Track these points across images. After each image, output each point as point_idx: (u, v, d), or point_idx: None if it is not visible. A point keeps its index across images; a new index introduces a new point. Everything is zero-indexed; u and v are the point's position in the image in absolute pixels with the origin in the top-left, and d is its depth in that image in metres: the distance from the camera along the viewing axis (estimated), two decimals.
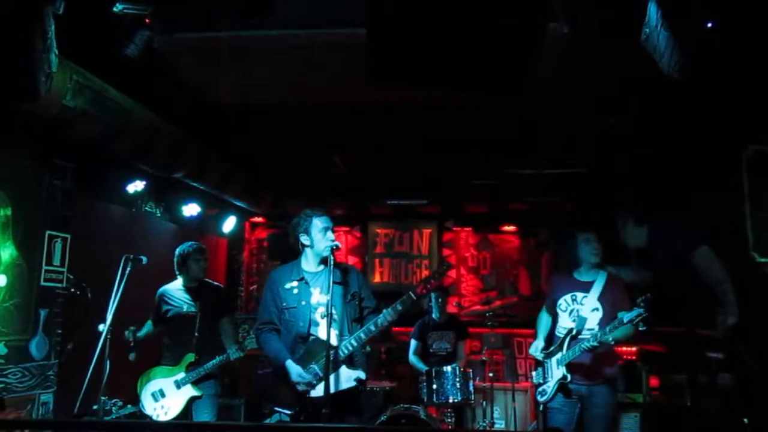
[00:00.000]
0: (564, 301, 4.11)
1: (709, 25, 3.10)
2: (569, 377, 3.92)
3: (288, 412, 3.35)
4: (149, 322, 4.63)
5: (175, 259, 4.58)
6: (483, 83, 3.14)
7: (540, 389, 4.14)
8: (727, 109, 4.35)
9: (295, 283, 3.51)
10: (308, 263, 3.57)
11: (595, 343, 3.76)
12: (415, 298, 3.32)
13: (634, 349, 5.77)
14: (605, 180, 6.62)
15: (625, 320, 3.66)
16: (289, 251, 3.75)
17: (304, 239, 3.53)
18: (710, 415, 4.71)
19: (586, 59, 3.90)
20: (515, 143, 5.86)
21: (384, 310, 3.33)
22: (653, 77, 3.27)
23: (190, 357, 4.31)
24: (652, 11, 2.98)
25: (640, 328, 3.69)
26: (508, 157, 6.38)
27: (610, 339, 3.76)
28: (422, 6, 2.81)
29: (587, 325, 3.95)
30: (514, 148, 6.03)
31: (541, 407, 4.19)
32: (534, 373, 4.26)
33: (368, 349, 3.45)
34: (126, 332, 4.46)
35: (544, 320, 4.37)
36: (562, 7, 3.25)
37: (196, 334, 4.35)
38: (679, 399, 5.27)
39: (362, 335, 3.33)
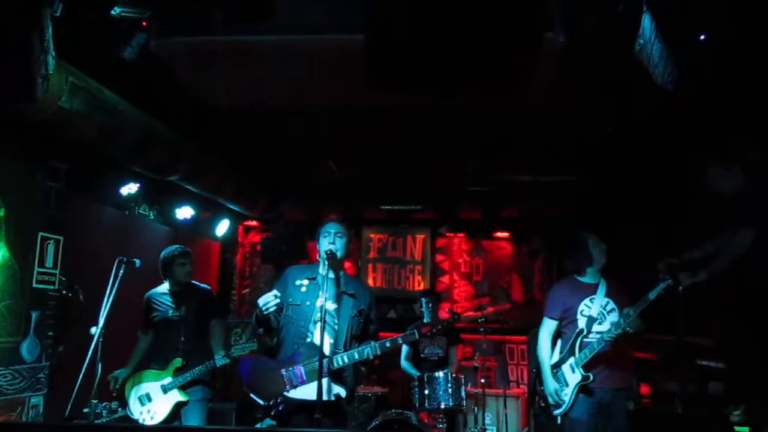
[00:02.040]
0: (585, 306, 3.92)
1: (703, 37, 3.14)
2: (591, 377, 3.73)
3: (262, 403, 3.36)
4: (141, 338, 4.60)
5: (160, 263, 4.51)
6: (481, 87, 3.17)
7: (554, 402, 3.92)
8: (720, 120, 4.38)
9: (305, 281, 3.54)
10: (323, 267, 3.60)
11: (619, 331, 3.64)
12: (417, 337, 3.45)
13: None
14: (599, 187, 6.65)
15: (651, 296, 3.60)
16: (282, 256, 3.77)
17: (317, 245, 3.59)
18: (701, 423, 4.73)
19: (582, 67, 3.93)
20: (510, 149, 5.88)
21: (383, 340, 3.39)
22: (647, 86, 3.30)
23: (178, 362, 4.28)
24: (646, 23, 3.01)
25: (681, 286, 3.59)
26: (503, 164, 6.41)
27: (626, 326, 3.64)
28: (421, 12, 2.83)
29: (605, 326, 3.81)
30: (509, 154, 6.05)
31: (559, 420, 3.95)
32: (549, 396, 3.94)
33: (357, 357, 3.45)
34: (109, 380, 4.32)
35: (546, 348, 4.01)
36: (558, 17, 3.28)
37: (182, 338, 4.32)
38: (670, 406, 5.28)
39: (356, 355, 3.34)
